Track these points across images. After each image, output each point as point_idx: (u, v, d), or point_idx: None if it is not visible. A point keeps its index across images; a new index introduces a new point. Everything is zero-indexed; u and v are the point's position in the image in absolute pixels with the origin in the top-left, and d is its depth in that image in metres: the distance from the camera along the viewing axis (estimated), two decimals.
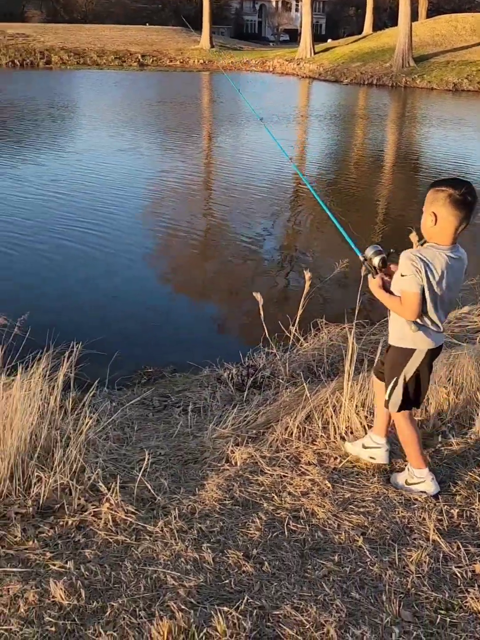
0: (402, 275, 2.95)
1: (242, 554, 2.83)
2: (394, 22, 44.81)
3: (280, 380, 4.47)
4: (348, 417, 3.75)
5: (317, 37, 51.68)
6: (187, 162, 15.11)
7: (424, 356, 3.08)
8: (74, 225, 9.63)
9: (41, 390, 3.66)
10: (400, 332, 3.09)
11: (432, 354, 3.13)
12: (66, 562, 2.79)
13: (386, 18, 61.75)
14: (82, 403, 3.84)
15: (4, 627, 2.45)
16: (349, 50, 44.12)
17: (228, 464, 3.53)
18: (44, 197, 11.11)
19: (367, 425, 3.74)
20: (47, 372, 3.91)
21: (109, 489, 3.20)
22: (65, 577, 2.68)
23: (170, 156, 15.77)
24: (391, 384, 3.16)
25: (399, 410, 3.18)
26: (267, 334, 4.89)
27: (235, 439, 3.71)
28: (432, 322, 3.02)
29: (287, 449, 3.63)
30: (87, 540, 2.95)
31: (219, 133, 20.35)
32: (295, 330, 4.95)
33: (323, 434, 3.73)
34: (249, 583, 2.67)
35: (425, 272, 2.89)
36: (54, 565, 2.78)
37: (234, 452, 3.58)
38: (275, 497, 3.23)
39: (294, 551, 2.86)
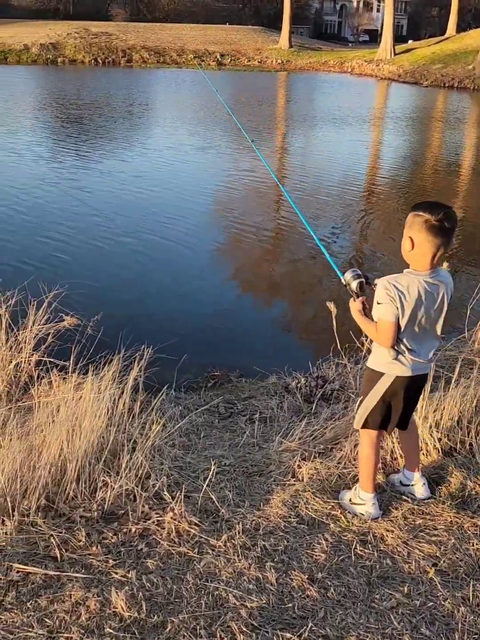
0: (377, 303, 2.88)
1: (306, 576, 2.74)
2: (478, 23, 43.54)
3: (351, 394, 4.35)
4: (422, 437, 3.60)
5: (398, 38, 50.78)
6: (260, 161, 15.06)
7: (393, 382, 2.98)
8: (152, 222, 9.73)
9: (111, 394, 3.67)
10: (377, 354, 3.03)
11: (410, 382, 3.00)
12: (128, 572, 2.76)
13: (470, 19, 60.22)
14: (150, 407, 3.84)
15: (65, 635, 2.44)
16: (430, 51, 43.17)
17: (294, 479, 3.44)
18: (125, 192, 11.29)
19: (441, 447, 3.59)
20: (117, 375, 3.92)
21: (173, 498, 3.17)
22: (126, 588, 2.66)
23: (245, 155, 15.75)
24: (359, 402, 3.15)
25: (362, 427, 3.14)
26: (338, 345, 4.77)
27: (302, 453, 3.62)
28: (409, 350, 2.92)
29: (355, 467, 3.51)
30: (149, 549, 2.92)
31: (293, 133, 20.25)
32: (369, 341, 4.81)
33: (393, 455, 3.60)
34: (313, 609, 2.58)
35: (400, 300, 2.81)
36: (117, 573, 2.76)
37: (300, 467, 3.50)
38: (342, 517, 3.13)
39: (361, 578, 2.76)
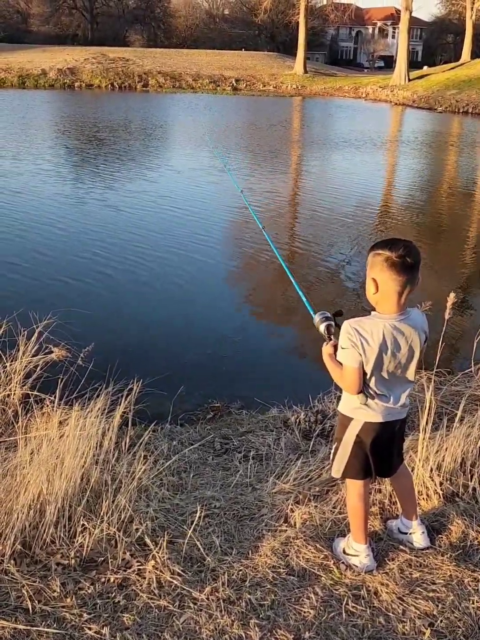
0: (341, 348, 2.73)
1: (292, 636, 2.55)
2: None
3: None
4: (422, 480, 3.40)
5: (413, 64, 51.01)
6: (275, 184, 15.03)
7: (362, 427, 2.82)
8: (159, 245, 9.62)
9: (97, 429, 3.52)
10: (345, 398, 2.88)
11: (381, 428, 2.82)
12: (102, 628, 2.59)
13: None
14: (139, 443, 3.67)
15: None
16: (445, 77, 43.25)
17: (286, 524, 3.25)
18: (128, 214, 11.22)
19: (443, 492, 3.39)
20: (105, 409, 3.77)
21: (156, 545, 3.00)
22: None
23: (259, 177, 15.72)
24: (332, 449, 3.01)
25: (342, 477, 3.01)
26: None
27: (296, 496, 3.44)
28: (378, 395, 2.75)
29: None
30: (127, 602, 2.74)
31: (306, 156, 20.21)
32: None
33: (391, 499, 3.40)
34: None
35: (362, 345, 2.66)
36: (90, 629, 2.59)
37: (293, 511, 3.31)
38: (335, 569, 2.93)
39: (352, 638, 2.55)
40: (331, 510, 3.33)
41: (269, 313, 7.89)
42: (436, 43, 77.68)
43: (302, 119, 32.86)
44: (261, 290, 8.60)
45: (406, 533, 3.12)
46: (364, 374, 2.72)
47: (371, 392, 2.75)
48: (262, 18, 55.75)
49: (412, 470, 3.41)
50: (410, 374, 2.80)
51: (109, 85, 44.00)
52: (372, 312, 2.75)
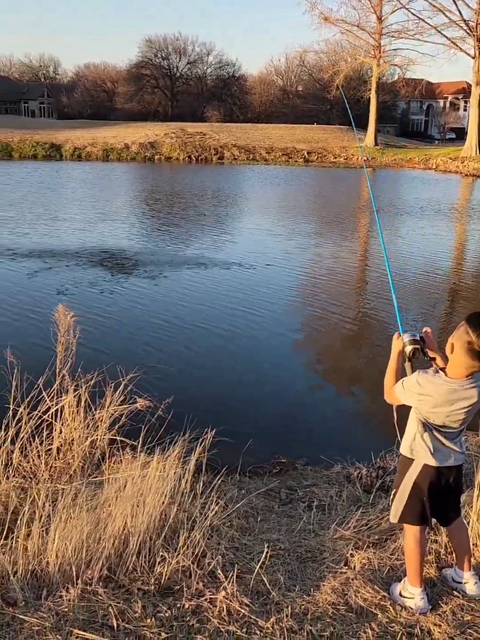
0: (402, 385, 2.99)
1: None
2: None
3: None
4: (477, 533, 3.60)
5: None
6: (344, 250, 15.54)
7: (422, 470, 3.06)
8: (236, 308, 10.19)
9: (175, 472, 3.89)
10: (407, 438, 3.13)
11: (441, 473, 3.06)
12: None
13: None
14: (211, 487, 4.02)
15: None
16: None
17: (346, 567, 3.50)
18: (209, 279, 11.85)
19: None
20: (182, 456, 4.15)
21: (226, 578, 3.30)
22: None
23: (330, 245, 16.28)
24: (392, 492, 3.22)
25: (399, 521, 3.19)
26: (399, 436, 4.83)
27: (356, 542, 3.69)
28: (436, 439, 3.02)
29: None
30: (200, 625, 3.05)
31: (375, 223, 20.69)
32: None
33: (448, 548, 3.60)
34: None
35: (421, 399, 2.94)
36: None
37: (353, 556, 3.56)
38: (391, 608, 3.16)
39: None
40: (389, 557, 3.56)
41: (337, 376, 8.18)
42: None
43: (375, 190, 33.48)
44: (330, 354, 8.93)
45: (460, 582, 3.32)
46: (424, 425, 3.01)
47: (429, 436, 3.02)
48: (334, 94, 57.65)
49: (468, 523, 3.62)
50: (463, 427, 3.06)
51: (187, 158, 46.13)
52: (440, 372, 2.95)
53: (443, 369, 2.97)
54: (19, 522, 3.60)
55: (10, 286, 11.16)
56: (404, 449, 3.16)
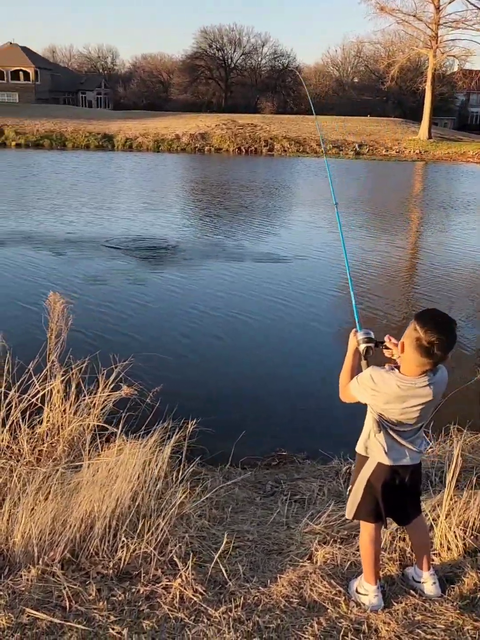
0: (357, 380, 2.97)
1: None
2: None
3: None
4: (444, 533, 3.53)
5: None
6: (389, 245, 15.35)
7: (375, 468, 3.00)
8: (272, 298, 10.20)
9: (150, 460, 3.93)
10: (363, 436, 3.08)
11: (395, 472, 2.99)
12: (123, 629, 2.94)
13: None
14: (182, 477, 4.04)
15: None
16: None
17: (309, 561, 3.49)
18: (243, 270, 11.87)
19: (463, 546, 3.50)
20: (164, 442, 4.20)
21: (185, 565, 3.32)
22: None
23: (379, 239, 16.10)
24: (348, 491, 3.20)
25: (354, 518, 3.18)
26: None
27: (324, 537, 3.67)
28: (391, 437, 2.96)
29: None
30: (150, 611, 3.08)
31: (425, 218, 20.32)
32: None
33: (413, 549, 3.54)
34: None
35: (374, 394, 2.90)
36: (113, 629, 2.95)
37: (317, 550, 3.54)
38: (343, 604, 3.13)
39: None
40: (354, 553, 3.52)
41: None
42: None
43: (423, 183, 32.87)
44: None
45: (419, 582, 3.27)
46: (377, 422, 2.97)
47: (384, 435, 2.97)
48: (389, 85, 56.67)
49: (435, 523, 3.55)
50: (422, 424, 3.00)
51: (236, 150, 46.09)
52: (394, 369, 2.91)
53: (399, 367, 2.93)
54: None
55: (50, 272, 11.35)
56: (359, 447, 3.12)
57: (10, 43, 74.58)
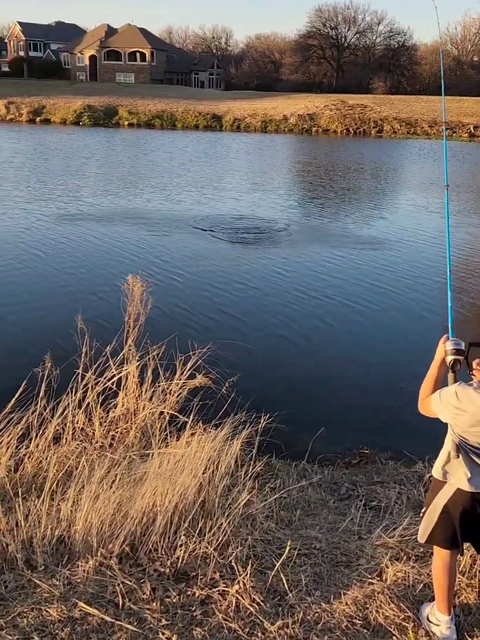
0: (440, 396, 2.69)
1: None
2: None
3: None
4: None
5: None
6: None
7: (453, 494, 2.70)
8: (376, 284, 9.90)
9: (219, 454, 3.78)
10: (440, 459, 2.79)
11: (476, 499, 2.68)
12: (173, 635, 2.81)
13: None
14: (249, 474, 3.86)
15: None
16: None
17: (378, 578, 3.23)
18: (339, 258, 11.53)
19: None
20: (235, 436, 4.04)
21: (244, 571, 3.16)
22: None
23: None
24: (422, 513, 2.91)
25: (427, 542, 2.90)
26: None
27: (397, 552, 3.40)
28: (473, 462, 2.66)
29: None
30: (203, 618, 2.94)
31: None
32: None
33: None
34: None
35: (456, 413, 2.62)
36: (163, 634, 2.82)
37: (388, 567, 3.27)
38: (410, 632, 2.87)
39: None
40: (429, 574, 3.23)
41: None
42: None
43: None
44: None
45: None
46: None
47: (465, 458, 2.68)
48: None
49: None
50: None
51: (345, 131, 45.10)
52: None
53: None
54: (63, 485, 3.68)
55: (153, 251, 11.44)
56: (435, 471, 2.84)
57: (129, 24, 76.04)
